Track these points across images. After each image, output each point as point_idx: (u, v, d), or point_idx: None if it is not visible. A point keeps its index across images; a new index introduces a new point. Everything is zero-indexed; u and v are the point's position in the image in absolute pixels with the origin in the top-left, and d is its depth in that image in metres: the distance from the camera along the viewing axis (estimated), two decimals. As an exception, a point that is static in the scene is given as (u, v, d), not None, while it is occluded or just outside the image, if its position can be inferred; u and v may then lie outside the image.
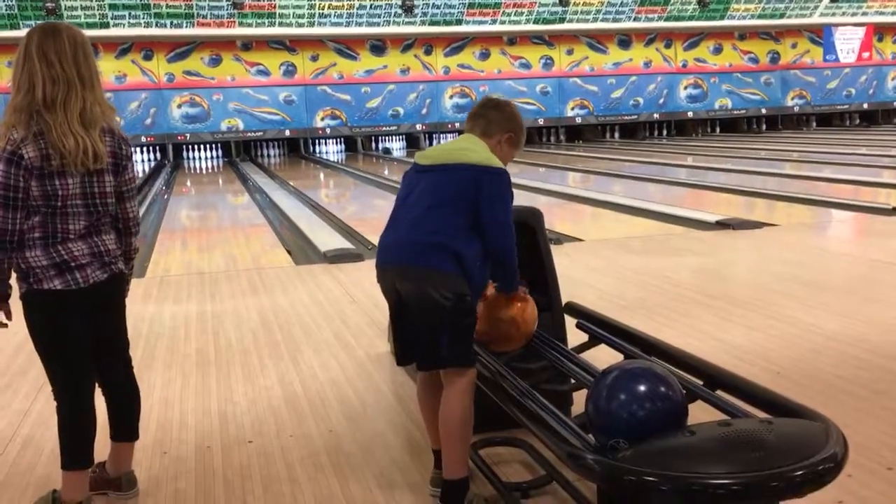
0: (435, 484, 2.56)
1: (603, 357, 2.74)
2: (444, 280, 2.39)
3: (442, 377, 2.47)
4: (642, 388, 1.92)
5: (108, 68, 17.94)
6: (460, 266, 2.41)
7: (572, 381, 2.70)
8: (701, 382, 2.32)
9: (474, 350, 2.51)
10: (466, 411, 2.41)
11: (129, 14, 17.15)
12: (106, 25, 17.10)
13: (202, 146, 19.28)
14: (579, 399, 2.42)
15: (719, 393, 2.25)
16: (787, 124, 22.74)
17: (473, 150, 2.54)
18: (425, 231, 2.43)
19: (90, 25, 16.81)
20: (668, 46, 21.61)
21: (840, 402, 3.16)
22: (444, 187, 2.47)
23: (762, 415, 2.03)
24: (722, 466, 1.66)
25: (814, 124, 23.00)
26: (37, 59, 2.29)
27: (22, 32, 2.74)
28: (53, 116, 2.27)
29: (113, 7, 16.95)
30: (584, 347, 2.97)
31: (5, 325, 2.44)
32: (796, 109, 22.77)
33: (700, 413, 2.10)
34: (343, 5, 18.17)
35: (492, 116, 2.64)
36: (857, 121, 23.11)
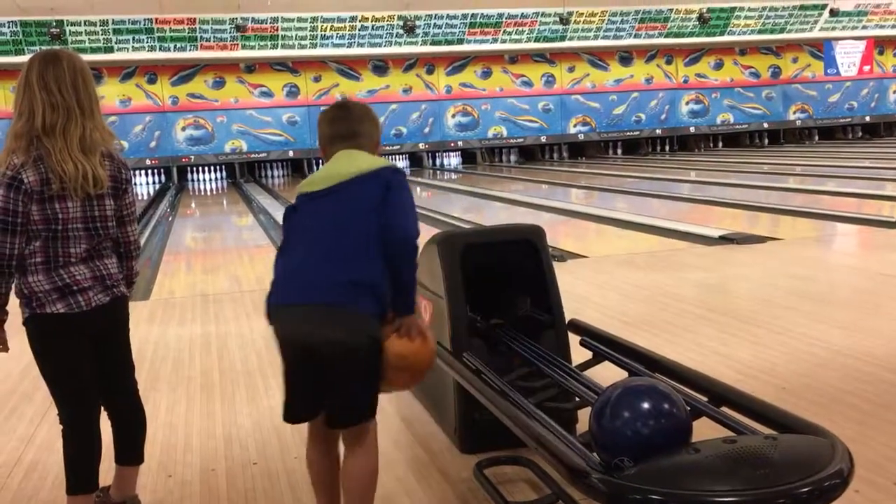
0: None
1: (607, 374, 2.74)
2: (362, 321, 2.13)
3: (346, 431, 2.24)
4: (646, 405, 1.91)
5: (112, 92, 18.07)
6: (378, 304, 2.16)
7: (577, 399, 2.69)
8: (705, 399, 2.31)
9: (377, 397, 2.25)
10: (377, 462, 2.28)
11: (133, 38, 17.28)
12: (110, 50, 17.24)
13: (206, 168, 19.36)
14: (584, 417, 2.41)
15: (724, 409, 2.24)
16: (790, 138, 22.75)
17: (364, 159, 2.29)
18: (342, 266, 2.13)
19: (94, 50, 16.95)
20: (669, 62, 21.68)
21: (846, 417, 3.14)
22: (351, 207, 2.19)
23: (767, 431, 2.02)
24: (727, 484, 1.66)
25: (816, 138, 23.01)
26: (37, 86, 2.31)
27: (26, 58, 2.76)
28: (53, 142, 2.29)
29: (117, 31, 17.09)
30: (587, 365, 2.97)
31: (4, 350, 2.44)
32: (798, 123, 22.79)
33: (705, 430, 2.09)
34: (345, 26, 18.29)
35: (365, 130, 2.39)
36: (860, 134, 23.11)
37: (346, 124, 2.38)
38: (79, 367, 2.41)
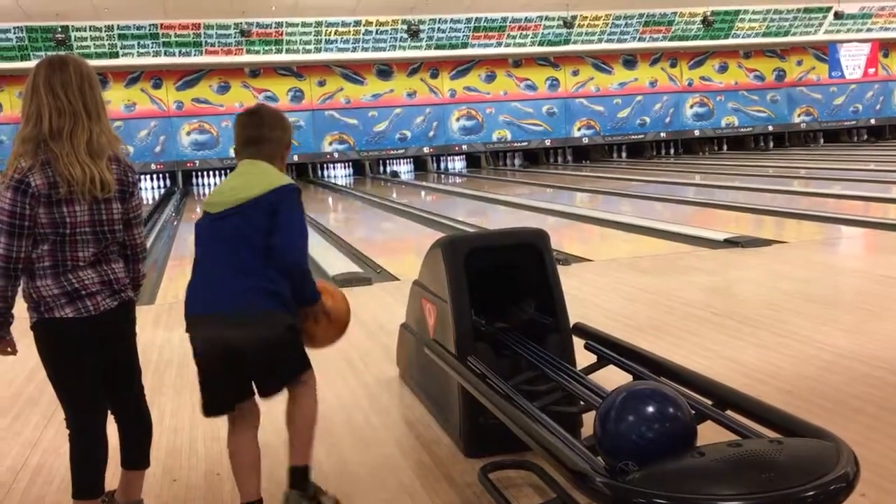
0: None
1: (612, 378, 2.73)
2: (272, 316, 2.47)
3: (291, 388, 2.63)
4: (651, 409, 1.91)
5: (117, 97, 18.14)
6: (283, 303, 2.48)
7: (581, 402, 2.69)
8: (710, 402, 2.31)
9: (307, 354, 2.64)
10: (317, 402, 2.69)
11: (139, 43, 17.35)
12: (115, 55, 17.30)
13: (211, 172, 19.41)
14: (589, 421, 2.41)
15: (729, 413, 2.24)
16: (795, 141, 22.72)
17: (258, 181, 2.51)
18: (244, 277, 2.45)
19: (100, 55, 17.02)
20: (673, 66, 21.68)
21: (852, 421, 3.13)
22: (245, 229, 2.46)
23: (772, 434, 2.01)
24: (732, 488, 1.65)
25: (821, 141, 22.98)
26: (44, 91, 2.33)
27: (32, 63, 2.75)
28: (60, 147, 2.30)
29: (122, 37, 17.15)
30: (592, 369, 2.97)
31: (13, 353, 2.45)
32: (803, 126, 22.76)
33: (710, 433, 2.09)
34: (349, 31, 18.34)
35: (275, 137, 2.61)
36: (865, 136, 23.07)
37: (255, 130, 2.60)
38: (86, 372, 2.42)
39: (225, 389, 2.54)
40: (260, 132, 2.59)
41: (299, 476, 2.62)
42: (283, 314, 2.49)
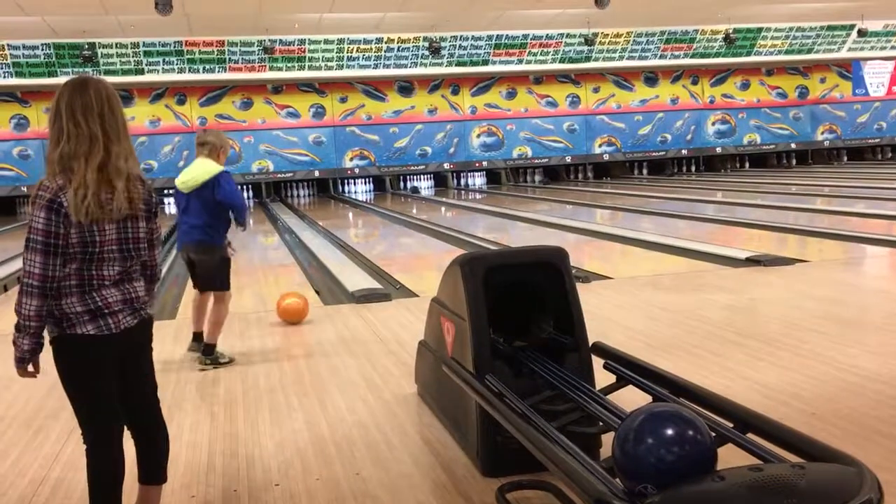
0: (193, 350, 4.94)
1: (631, 398, 2.71)
2: (211, 248, 4.81)
3: (213, 295, 4.88)
4: (670, 431, 1.89)
5: (142, 113, 18.37)
6: (216, 237, 4.79)
7: (600, 423, 2.66)
8: (731, 425, 2.28)
9: (229, 281, 4.89)
10: (226, 313, 4.87)
11: (164, 60, 17.57)
12: (141, 72, 17.54)
13: (233, 187, 19.52)
14: (608, 442, 2.39)
15: (750, 436, 2.21)
16: (818, 159, 22.54)
17: (203, 171, 4.76)
18: (198, 224, 4.76)
19: (125, 72, 17.26)
20: (694, 83, 21.62)
21: (877, 444, 3.08)
22: (201, 198, 4.74)
23: (794, 459, 1.98)
24: (753, 513, 1.63)
25: (844, 159, 22.78)
26: (64, 115, 2.39)
27: (59, 80, 2.78)
28: (78, 167, 2.35)
29: (147, 54, 17.39)
30: (611, 389, 2.94)
31: (33, 376, 2.44)
32: (826, 144, 22.59)
33: (730, 457, 2.07)
34: (371, 48, 18.46)
35: (211, 140, 4.85)
36: (889, 154, 22.84)
37: (200, 138, 4.93)
38: (104, 387, 2.44)
39: (193, 276, 5.06)
40: (200, 139, 4.94)
41: (199, 337, 4.94)
42: (217, 247, 4.84)
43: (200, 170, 4.76)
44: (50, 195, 2.31)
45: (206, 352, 4.75)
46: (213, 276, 4.81)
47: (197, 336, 4.98)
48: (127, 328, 2.42)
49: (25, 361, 2.37)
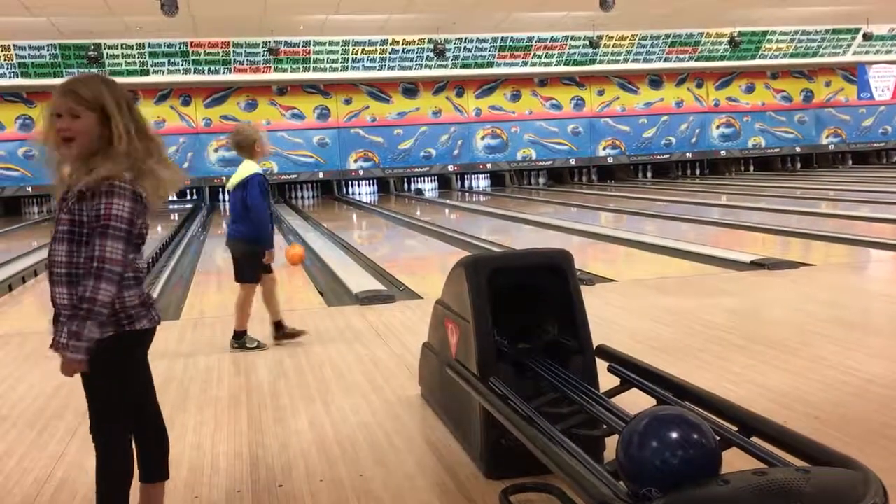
0: (278, 338, 5.32)
1: (635, 401, 2.71)
2: (240, 242, 5.18)
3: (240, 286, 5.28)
4: (675, 435, 1.89)
5: (147, 114, 17.91)
6: (247, 233, 5.11)
7: (604, 426, 2.66)
8: (735, 429, 2.28)
9: (258, 276, 5.20)
10: (252, 299, 5.25)
11: (169, 61, 17.61)
12: (146, 73, 17.58)
13: (238, 188, 19.55)
14: (612, 445, 2.38)
15: (755, 440, 2.20)
16: (823, 162, 22.51)
17: (241, 172, 5.10)
18: (234, 221, 5.17)
19: (131, 73, 17.30)
20: (699, 86, 21.61)
21: (882, 448, 3.07)
22: (236, 197, 5.11)
23: (799, 463, 1.98)
24: (757, 517, 1.62)
25: (850, 162, 22.74)
26: (126, 110, 2.37)
27: (64, 80, 2.74)
28: (144, 159, 2.37)
29: (153, 55, 17.43)
30: (615, 392, 2.94)
31: (86, 370, 2.30)
32: (831, 147, 22.55)
33: (735, 461, 2.06)
34: (376, 50, 18.49)
35: (242, 141, 5.14)
36: (895, 158, 22.80)
37: (230, 142, 5.38)
38: (145, 382, 2.49)
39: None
40: (232, 140, 5.31)
41: (278, 326, 5.33)
42: (249, 243, 5.17)
43: (241, 170, 5.11)
44: (132, 186, 2.31)
45: (235, 336, 5.20)
46: (239, 268, 5.23)
47: (276, 325, 5.29)
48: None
49: (90, 352, 2.21)
